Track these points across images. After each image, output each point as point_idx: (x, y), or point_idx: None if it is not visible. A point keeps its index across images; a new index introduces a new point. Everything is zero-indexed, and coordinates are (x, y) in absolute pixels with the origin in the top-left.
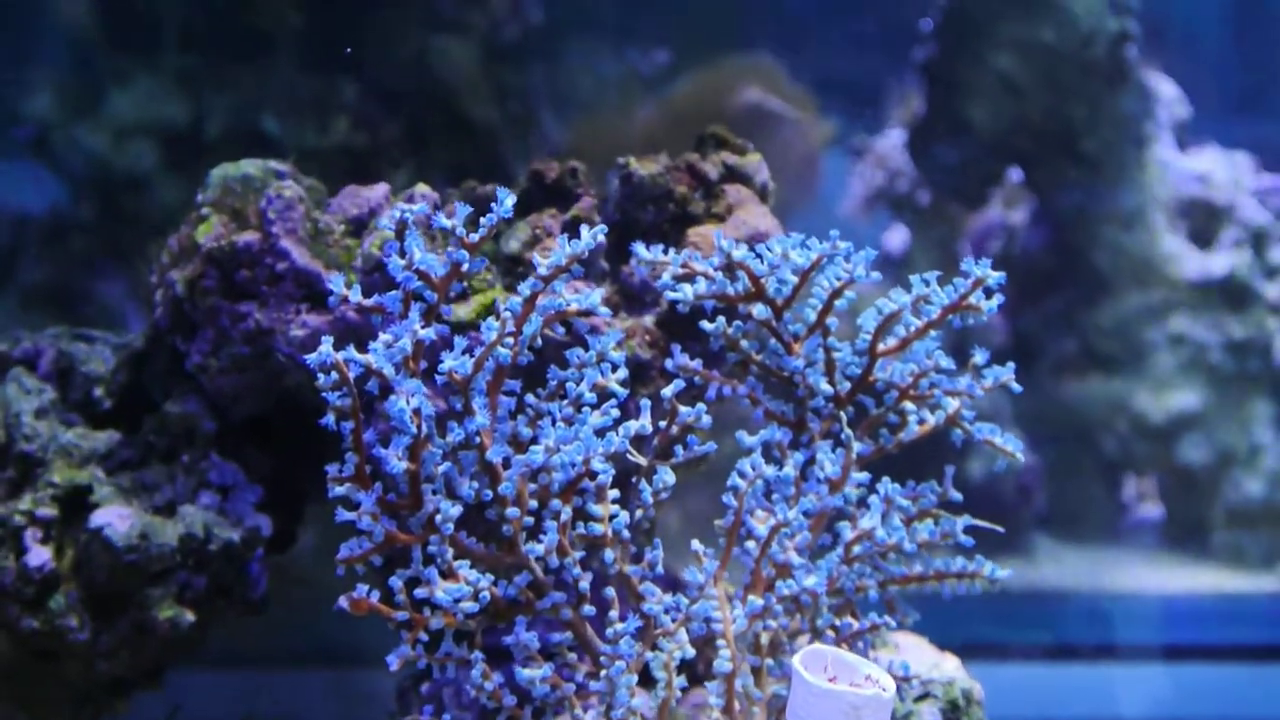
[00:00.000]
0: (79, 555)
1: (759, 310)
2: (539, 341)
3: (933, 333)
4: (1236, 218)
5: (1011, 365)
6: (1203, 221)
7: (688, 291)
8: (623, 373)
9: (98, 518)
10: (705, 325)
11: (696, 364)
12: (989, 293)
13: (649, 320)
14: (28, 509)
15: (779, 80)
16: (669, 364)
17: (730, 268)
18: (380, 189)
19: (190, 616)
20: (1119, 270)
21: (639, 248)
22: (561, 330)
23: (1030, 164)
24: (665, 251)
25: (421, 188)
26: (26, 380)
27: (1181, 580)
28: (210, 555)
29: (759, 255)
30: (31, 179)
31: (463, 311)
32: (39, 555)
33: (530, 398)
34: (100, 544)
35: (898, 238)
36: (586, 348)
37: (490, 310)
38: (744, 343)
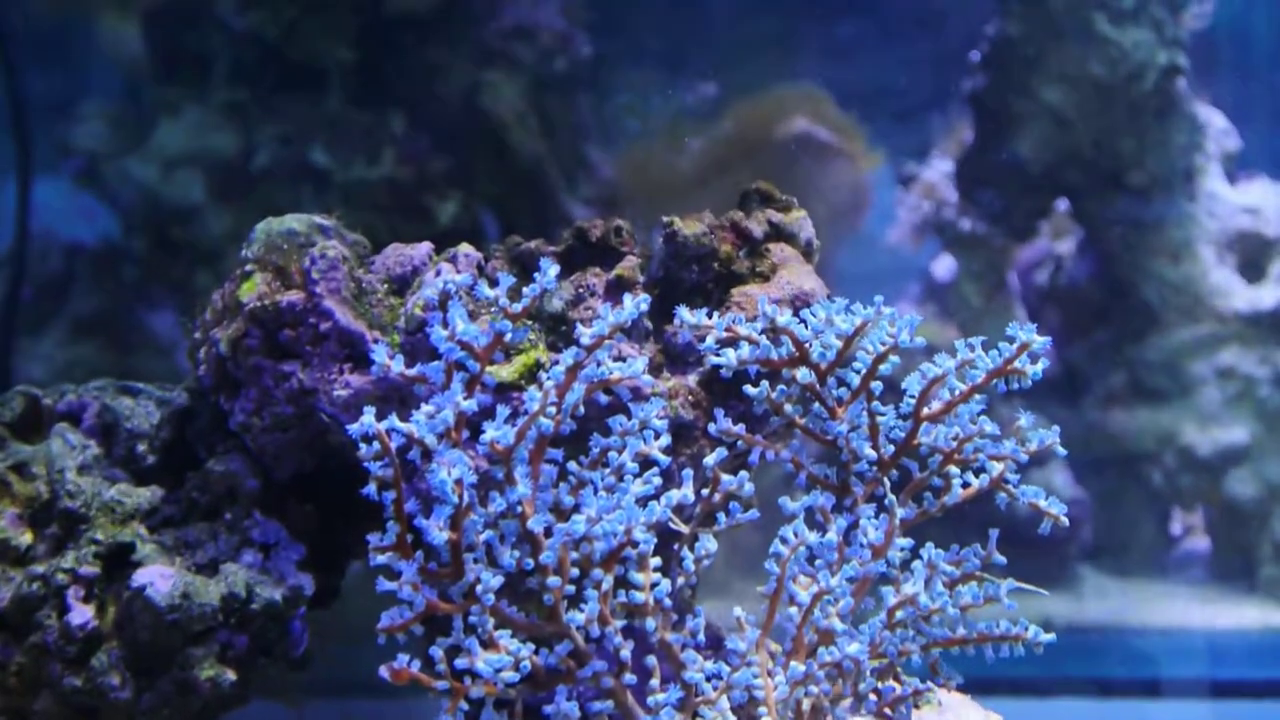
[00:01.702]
0: (121, 614)
1: (803, 374)
2: (581, 410)
3: (977, 396)
4: None
5: (1056, 429)
6: (1252, 254)
7: (731, 356)
8: (665, 440)
9: (140, 577)
10: (749, 390)
11: (740, 428)
12: (1034, 357)
13: (692, 380)
14: (70, 567)
15: (827, 109)
16: (712, 429)
17: (774, 331)
18: (423, 248)
19: (231, 676)
20: (1167, 303)
21: (683, 311)
22: (604, 398)
23: (1078, 195)
24: (709, 314)
25: (465, 248)
26: (70, 436)
27: (1228, 615)
28: (252, 614)
29: (803, 320)
30: (83, 210)
31: (505, 373)
32: (81, 614)
33: (573, 465)
34: (142, 604)
35: (945, 266)
36: (629, 415)
37: (532, 370)
38: (788, 407)
